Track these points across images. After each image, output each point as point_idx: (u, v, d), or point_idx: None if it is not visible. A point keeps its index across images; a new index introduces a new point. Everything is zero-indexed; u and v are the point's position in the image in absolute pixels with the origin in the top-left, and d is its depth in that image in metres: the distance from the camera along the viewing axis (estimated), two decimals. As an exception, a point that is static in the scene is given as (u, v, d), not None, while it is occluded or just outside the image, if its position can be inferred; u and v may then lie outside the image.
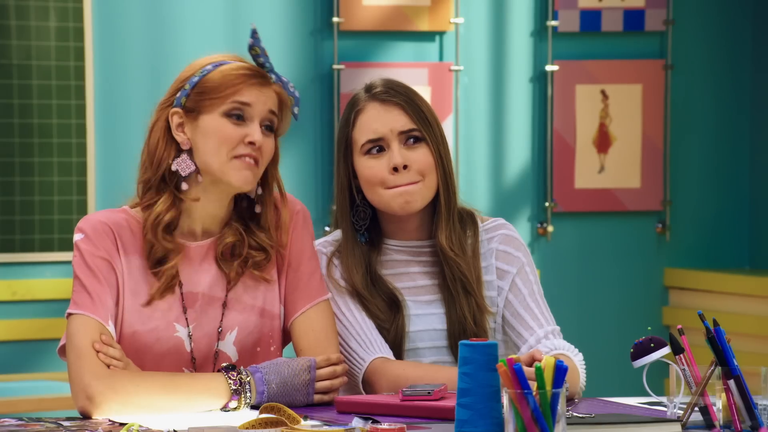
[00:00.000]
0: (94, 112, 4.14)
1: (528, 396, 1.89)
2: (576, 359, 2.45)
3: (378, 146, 2.44)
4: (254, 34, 2.33)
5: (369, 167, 2.44)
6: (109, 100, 4.14)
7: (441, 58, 4.44)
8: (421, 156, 2.44)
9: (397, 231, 2.50)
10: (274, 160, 2.38)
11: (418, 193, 2.43)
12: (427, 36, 4.44)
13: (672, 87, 4.60)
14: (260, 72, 2.32)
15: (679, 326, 2.16)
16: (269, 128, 2.34)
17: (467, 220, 2.51)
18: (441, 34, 4.44)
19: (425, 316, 2.46)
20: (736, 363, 2.07)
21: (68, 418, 2.23)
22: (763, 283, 4.40)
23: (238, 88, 2.30)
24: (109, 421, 2.21)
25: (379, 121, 2.44)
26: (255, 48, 2.33)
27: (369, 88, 2.49)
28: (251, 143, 2.30)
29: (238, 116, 2.31)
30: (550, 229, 4.52)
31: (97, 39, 4.15)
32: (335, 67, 4.36)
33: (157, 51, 4.15)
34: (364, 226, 2.49)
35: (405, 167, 2.42)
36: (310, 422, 2.15)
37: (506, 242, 2.51)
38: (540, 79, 4.53)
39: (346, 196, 2.48)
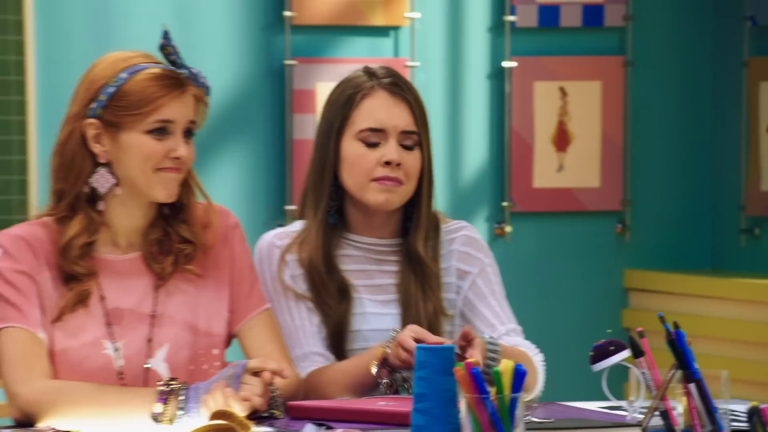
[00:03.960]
0: (35, 108, 4.12)
1: (486, 401, 1.90)
2: (536, 359, 2.48)
3: (376, 137, 2.46)
4: (166, 34, 2.35)
5: (362, 155, 2.46)
6: (51, 96, 4.12)
7: (396, 53, 4.46)
8: (412, 159, 2.48)
9: (361, 226, 2.51)
10: None
11: (399, 194, 2.47)
12: (382, 31, 4.45)
13: (632, 84, 4.64)
14: (177, 78, 2.34)
15: (640, 329, 2.18)
16: (189, 134, 2.37)
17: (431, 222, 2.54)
18: (396, 29, 4.46)
19: (380, 315, 2.47)
20: (696, 366, 2.09)
21: (8, 426, 2.23)
22: (724, 284, 4.44)
23: (160, 104, 2.31)
24: (52, 429, 2.21)
25: (385, 112, 2.47)
26: (167, 47, 2.36)
27: (374, 75, 2.50)
28: (177, 158, 2.33)
29: (160, 131, 2.33)
30: (508, 229, 4.55)
31: (39, 33, 4.13)
32: (287, 62, 4.36)
33: (102, 45, 4.14)
34: (334, 208, 2.51)
35: (398, 165, 2.45)
36: (261, 429, 2.16)
37: (468, 243, 2.54)
38: (497, 76, 4.55)
39: (327, 176, 2.48)
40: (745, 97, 4.57)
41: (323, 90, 4.37)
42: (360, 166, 2.45)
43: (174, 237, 2.37)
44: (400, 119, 2.46)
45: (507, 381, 1.91)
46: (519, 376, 1.92)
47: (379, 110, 2.46)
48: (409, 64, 4.42)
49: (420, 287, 2.46)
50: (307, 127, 4.38)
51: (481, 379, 1.91)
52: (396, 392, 2.38)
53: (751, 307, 4.33)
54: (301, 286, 2.48)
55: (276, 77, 4.38)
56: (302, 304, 2.47)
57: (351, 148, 2.47)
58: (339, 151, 2.48)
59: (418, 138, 2.48)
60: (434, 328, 2.47)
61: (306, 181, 2.53)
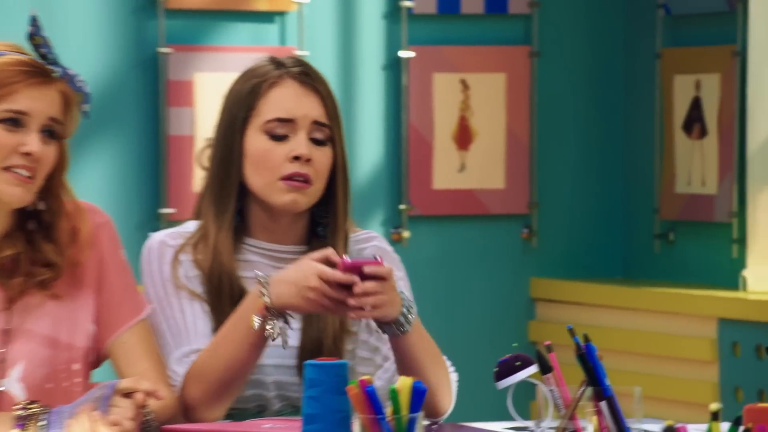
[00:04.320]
0: None
1: (381, 422, 1.92)
2: (451, 377, 2.50)
3: (284, 129, 2.45)
4: (34, 21, 2.30)
5: (268, 149, 2.46)
6: None
7: (283, 42, 4.46)
8: (323, 156, 2.48)
9: (263, 229, 2.51)
10: (61, 167, 2.37)
11: (308, 195, 2.47)
12: (266, 17, 4.45)
13: (538, 76, 4.70)
14: (41, 68, 2.29)
15: (547, 342, 2.21)
16: (51, 134, 2.33)
17: None
18: (282, 14, 4.46)
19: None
20: (608, 383, 2.13)
21: None
22: (637, 294, 4.51)
23: (13, 90, 2.27)
24: None
25: (294, 101, 2.46)
26: (36, 37, 2.31)
27: (282, 64, 2.50)
28: (27, 154, 2.28)
29: (13, 121, 2.28)
30: (406, 234, 4.57)
31: None
32: (161, 50, 4.34)
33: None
34: (236, 209, 2.50)
35: (308, 161, 2.45)
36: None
37: (378, 254, 2.55)
38: (393, 67, 4.58)
39: (234, 174, 2.47)
40: (659, 90, 4.65)
41: (201, 81, 4.36)
42: (267, 161, 2.45)
43: (35, 257, 2.31)
44: (310, 109, 2.47)
45: (404, 400, 1.93)
46: (418, 395, 1.94)
47: (287, 100, 2.46)
48: (297, 53, 4.42)
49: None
50: (184, 121, 4.36)
51: (376, 399, 1.93)
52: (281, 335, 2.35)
53: (666, 319, 4.40)
54: (197, 288, 2.47)
55: (149, 67, 4.35)
56: (197, 304, 2.46)
57: (256, 142, 2.46)
58: (243, 147, 2.48)
59: (329, 132, 2.48)
60: (338, 345, 2.46)
61: (206, 181, 2.52)
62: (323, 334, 2.46)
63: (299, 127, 2.46)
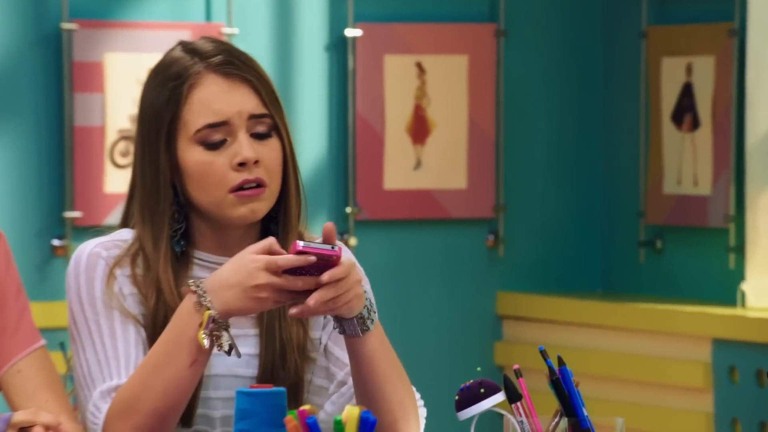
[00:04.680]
0: None
1: (325, 458, 1.93)
2: (419, 412, 2.51)
3: (219, 133, 2.44)
4: None
5: (207, 162, 2.44)
6: None
7: (208, 17, 4.46)
8: (270, 150, 2.46)
9: (212, 244, 2.50)
10: None
11: (265, 199, 2.46)
12: (190, -12, 4.46)
13: (505, 59, 4.72)
14: None
15: (516, 366, 2.23)
16: None
17: None
18: (208, -15, 4.47)
19: (225, 356, 2.46)
20: (585, 413, 2.15)
21: None
22: (619, 311, 4.53)
23: None
24: None
25: (222, 99, 2.44)
26: None
27: (199, 54, 2.47)
28: None
29: None
30: (353, 241, 4.58)
31: None
32: (65, 26, 4.33)
33: None
34: (180, 231, 2.48)
35: (256, 163, 2.44)
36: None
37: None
38: (338, 47, 4.59)
39: (164, 196, 2.46)
40: (645, 75, 4.68)
41: (113, 62, 4.35)
42: (209, 176, 2.43)
43: None
44: (243, 103, 2.45)
45: (351, 433, 1.94)
46: (367, 427, 1.94)
47: (214, 100, 2.44)
48: (226, 30, 4.42)
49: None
50: (93, 110, 4.35)
51: (317, 431, 1.94)
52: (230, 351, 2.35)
53: (653, 339, 4.43)
54: (133, 308, 2.46)
55: (50, 45, 4.34)
56: (131, 328, 2.45)
57: (191, 155, 2.44)
58: (176, 162, 2.46)
59: (271, 121, 2.48)
60: (299, 374, 2.45)
61: (133, 191, 2.50)
62: (283, 356, 2.45)
63: (236, 126, 2.45)
